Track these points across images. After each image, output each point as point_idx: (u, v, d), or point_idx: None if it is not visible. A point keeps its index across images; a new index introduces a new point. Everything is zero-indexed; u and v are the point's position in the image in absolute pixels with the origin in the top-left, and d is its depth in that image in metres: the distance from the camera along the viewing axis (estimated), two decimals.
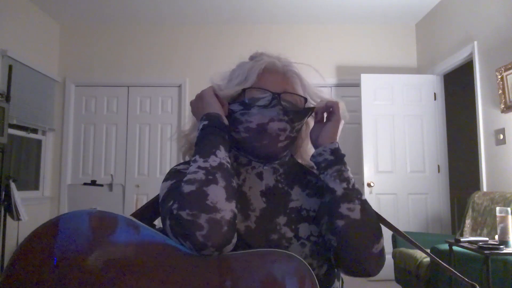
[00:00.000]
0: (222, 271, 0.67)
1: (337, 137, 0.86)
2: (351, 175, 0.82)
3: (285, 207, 0.84)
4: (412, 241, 0.80)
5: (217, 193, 0.69)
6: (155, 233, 0.69)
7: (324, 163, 0.82)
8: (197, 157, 0.75)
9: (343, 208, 0.78)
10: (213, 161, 0.74)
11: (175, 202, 0.69)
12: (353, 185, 0.81)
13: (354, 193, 0.79)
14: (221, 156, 0.76)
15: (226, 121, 0.82)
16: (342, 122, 0.87)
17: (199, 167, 0.73)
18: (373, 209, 0.82)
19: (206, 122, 0.80)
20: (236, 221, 0.78)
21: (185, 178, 0.72)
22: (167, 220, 0.69)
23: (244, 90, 0.84)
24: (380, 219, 0.83)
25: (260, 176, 0.86)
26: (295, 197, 0.86)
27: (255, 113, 0.82)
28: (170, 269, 0.66)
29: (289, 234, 0.81)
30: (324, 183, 0.82)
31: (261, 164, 0.87)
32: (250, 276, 0.66)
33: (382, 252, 0.78)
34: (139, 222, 0.70)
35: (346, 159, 0.85)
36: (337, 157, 0.82)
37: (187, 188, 0.70)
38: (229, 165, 0.76)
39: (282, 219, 0.82)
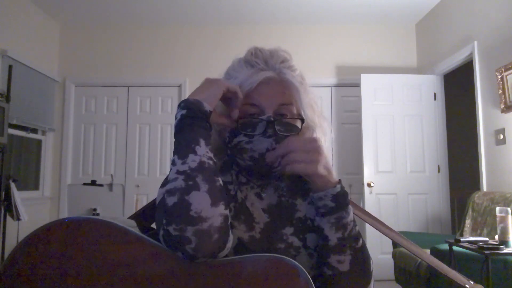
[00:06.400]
0: (217, 277, 0.66)
1: (334, 174, 0.77)
2: (350, 219, 0.76)
3: (291, 218, 0.83)
4: (419, 255, 0.79)
5: (200, 201, 0.65)
6: (150, 240, 0.68)
7: (324, 209, 0.75)
8: (175, 158, 0.70)
9: (333, 260, 0.75)
10: (192, 161, 0.69)
11: (164, 216, 0.67)
12: (350, 231, 0.76)
13: (348, 242, 0.75)
14: (201, 152, 0.70)
15: (208, 107, 0.74)
16: (323, 159, 0.75)
17: (177, 172, 0.68)
18: (367, 254, 0.79)
19: (184, 112, 0.73)
20: (240, 231, 0.78)
21: (166, 188, 0.68)
22: (160, 230, 0.67)
23: (237, 120, 0.81)
24: (377, 227, 0.83)
25: (259, 196, 0.85)
26: (299, 207, 0.85)
27: (256, 142, 0.80)
28: (166, 275, 0.66)
29: (297, 243, 0.80)
30: (319, 225, 0.78)
31: (259, 186, 0.86)
32: (246, 281, 0.66)
33: None
34: (134, 230, 0.70)
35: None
36: (339, 202, 0.75)
37: (169, 201, 0.66)
38: (211, 162, 0.71)
39: (288, 230, 0.81)
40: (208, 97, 0.76)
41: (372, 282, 0.79)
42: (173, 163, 0.70)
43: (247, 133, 0.81)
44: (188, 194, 0.66)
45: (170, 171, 0.70)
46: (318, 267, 0.78)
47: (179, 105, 0.74)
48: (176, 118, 0.74)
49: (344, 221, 0.75)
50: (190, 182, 0.67)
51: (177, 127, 0.73)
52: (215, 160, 0.73)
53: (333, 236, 0.75)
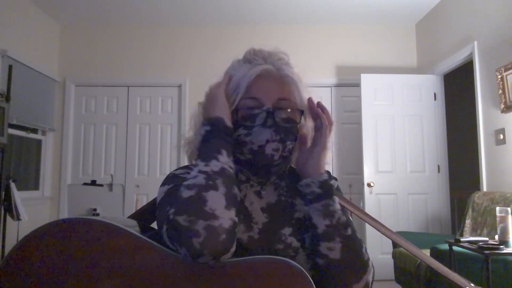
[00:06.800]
0: (218, 278, 0.66)
1: (325, 165, 0.82)
2: (338, 207, 0.79)
3: (290, 218, 0.83)
4: (418, 255, 0.79)
5: (216, 200, 0.68)
6: (149, 241, 0.68)
7: (311, 196, 0.79)
8: (198, 161, 0.74)
9: (323, 247, 0.76)
10: (214, 165, 0.72)
11: (172, 206, 0.68)
12: (338, 219, 0.77)
13: (337, 230, 0.76)
14: (224, 160, 0.74)
15: (229, 124, 0.80)
16: (328, 147, 0.83)
17: (199, 171, 0.72)
18: (358, 242, 0.78)
19: (208, 128, 0.78)
20: (239, 231, 0.78)
21: (185, 183, 0.71)
22: (164, 225, 0.67)
23: (237, 111, 0.83)
24: (377, 228, 0.82)
25: (259, 194, 0.86)
26: (298, 207, 0.85)
27: (255, 133, 0.81)
28: (166, 276, 0.66)
29: (296, 244, 0.80)
30: (307, 216, 0.80)
31: (259, 184, 0.86)
32: (247, 284, 0.66)
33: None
34: (133, 231, 0.70)
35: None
36: (326, 190, 0.79)
37: (185, 193, 0.68)
38: (231, 171, 0.74)
39: (287, 230, 0.81)
40: (226, 113, 0.81)
41: (371, 274, 0.77)
42: (195, 165, 0.74)
43: (247, 124, 0.82)
44: (206, 191, 0.68)
45: (191, 172, 0.73)
46: (311, 260, 0.78)
47: (202, 123, 0.81)
48: (200, 134, 0.79)
49: (331, 209, 0.78)
50: (210, 182, 0.70)
51: (202, 140, 0.78)
52: (235, 171, 0.76)
53: (321, 223, 0.77)
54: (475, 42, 3.41)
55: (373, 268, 0.80)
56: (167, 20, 4.53)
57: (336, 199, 0.79)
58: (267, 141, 0.81)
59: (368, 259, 0.78)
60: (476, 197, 3.08)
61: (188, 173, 0.83)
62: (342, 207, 0.84)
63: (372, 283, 0.78)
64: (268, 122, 0.81)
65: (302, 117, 0.85)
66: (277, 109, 0.82)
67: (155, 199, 0.87)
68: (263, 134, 0.81)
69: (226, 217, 0.67)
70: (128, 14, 4.36)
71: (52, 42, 4.47)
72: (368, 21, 4.51)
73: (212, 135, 0.77)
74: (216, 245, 0.64)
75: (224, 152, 0.75)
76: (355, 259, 0.76)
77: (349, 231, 0.77)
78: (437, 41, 4.13)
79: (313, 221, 0.78)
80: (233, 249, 0.68)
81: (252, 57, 0.87)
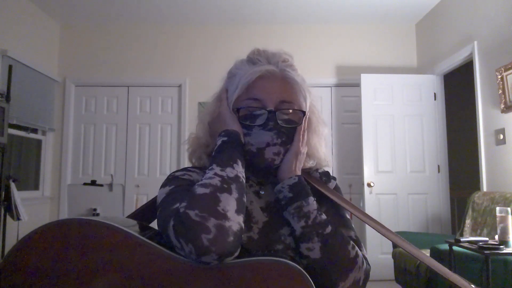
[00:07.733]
0: (219, 279, 0.66)
1: (298, 168, 0.83)
2: (313, 208, 0.78)
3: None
4: (416, 255, 0.79)
5: (229, 202, 0.69)
6: (149, 242, 0.68)
7: (284, 201, 0.80)
8: (214, 165, 0.75)
9: (303, 249, 0.76)
10: (230, 172, 0.74)
11: (183, 201, 0.69)
12: (314, 219, 0.77)
13: (314, 230, 0.76)
14: (238, 169, 0.76)
15: (243, 140, 0.82)
16: (301, 151, 0.84)
17: (215, 174, 0.73)
18: (341, 240, 0.77)
19: (225, 138, 0.80)
20: None
21: (200, 182, 0.72)
22: (171, 221, 0.67)
23: (238, 110, 0.84)
24: (377, 229, 0.82)
25: (257, 194, 0.86)
26: None
27: (254, 134, 0.82)
28: (163, 277, 0.66)
29: (294, 244, 0.80)
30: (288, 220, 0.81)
31: (258, 184, 0.88)
32: (246, 285, 0.65)
33: (355, 286, 0.75)
34: (133, 231, 0.69)
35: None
36: (296, 193, 0.79)
37: (200, 190, 0.69)
38: (244, 180, 0.76)
39: (286, 230, 0.81)
40: (236, 127, 0.83)
41: (361, 271, 0.76)
42: (211, 169, 0.75)
43: (246, 123, 0.83)
44: (220, 193, 0.70)
45: (207, 173, 0.74)
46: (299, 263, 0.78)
47: (219, 134, 0.82)
48: (216, 144, 0.81)
49: (305, 210, 0.78)
50: (225, 185, 0.71)
51: (218, 149, 0.80)
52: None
53: (297, 226, 0.77)
54: (475, 42, 3.41)
55: (368, 265, 0.79)
56: (167, 20, 4.53)
57: (311, 199, 0.79)
58: (268, 144, 0.81)
59: (357, 256, 0.77)
60: (476, 197, 3.08)
61: (189, 174, 0.84)
62: (336, 206, 0.85)
63: (364, 280, 0.77)
64: (269, 125, 0.81)
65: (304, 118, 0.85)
66: (279, 111, 0.83)
67: (154, 199, 0.87)
68: (263, 136, 0.82)
69: (235, 221, 0.68)
70: (128, 14, 4.36)
71: (52, 42, 4.47)
72: (368, 21, 4.51)
73: (229, 146, 0.79)
74: (225, 245, 0.64)
75: (239, 162, 0.77)
76: (338, 256, 0.75)
77: (328, 230, 0.77)
78: (437, 41, 4.13)
79: (292, 224, 0.79)
80: (237, 253, 0.68)
81: (255, 58, 0.87)
